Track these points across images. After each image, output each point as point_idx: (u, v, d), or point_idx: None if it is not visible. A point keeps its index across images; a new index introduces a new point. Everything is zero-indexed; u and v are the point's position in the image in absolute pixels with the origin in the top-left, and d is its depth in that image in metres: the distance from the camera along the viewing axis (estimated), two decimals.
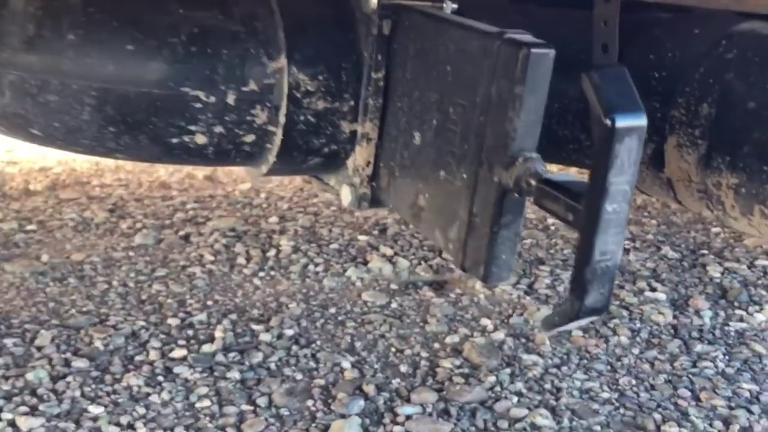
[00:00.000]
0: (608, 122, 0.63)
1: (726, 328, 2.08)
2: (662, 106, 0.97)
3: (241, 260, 2.26)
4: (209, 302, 2.00)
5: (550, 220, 2.74)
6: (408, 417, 1.58)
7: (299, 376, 1.69)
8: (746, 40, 0.92)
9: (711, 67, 0.93)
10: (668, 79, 0.98)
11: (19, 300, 1.94)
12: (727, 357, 1.92)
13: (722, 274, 2.39)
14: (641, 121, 0.64)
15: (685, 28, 0.97)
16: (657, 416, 1.66)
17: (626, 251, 2.53)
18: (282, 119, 0.93)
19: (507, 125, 0.73)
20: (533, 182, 0.71)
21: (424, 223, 0.88)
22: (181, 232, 2.45)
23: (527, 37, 0.75)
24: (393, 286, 2.16)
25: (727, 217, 0.94)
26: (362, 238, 2.45)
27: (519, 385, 1.72)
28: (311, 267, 2.24)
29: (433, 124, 0.85)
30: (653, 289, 2.26)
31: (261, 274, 2.19)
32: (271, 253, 2.32)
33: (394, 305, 2.05)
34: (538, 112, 0.73)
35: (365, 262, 2.29)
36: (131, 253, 2.27)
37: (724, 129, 0.91)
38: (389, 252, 2.35)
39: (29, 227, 2.43)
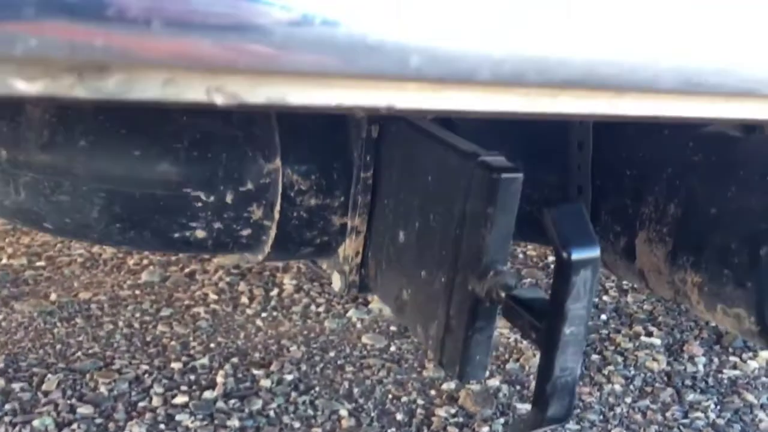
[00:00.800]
0: (565, 255, 0.68)
1: (719, 375, 2.11)
2: (634, 202, 1.02)
3: (244, 299, 2.31)
4: (212, 344, 2.05)
5: (551, 258, 2.78)
6: None
7: (297, 425, 1.74)
8: (712, 142, 0.97)
9: (678, 168, 0.98)
10: (639, 177, 1.03)
11: (27, 341, 2.00)
12: (718, 407, 1.95)
13: None
14: (595, 253, 0.70)
15: (657, 127, 1.02)
16: None
17: (624, 293, 2.57)
18: (276, 215, 0.98)
19: (480, 240, 0.79)
20: (503, 295, 0.77)
21: (407, 316, 0.93)
22: (187, 270, 2.50)
23: (499, 161, 0.80)
24: (393, 328, 2.20)
25: (694, 310, 0.98)
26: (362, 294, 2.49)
27: None
28: (313, 308, 2.29)
29: (416, 226, 0.90)
30: (649, 334, 2.30)
31: (263, 314, 2.23)
32: (274, 292, 2.37)
33: (393, 348, 2.10)
34: (508, 229, 0.79)
35: (366, 303, 2.33)
36: (137, 292, 2.32)
37: (688, 230, 0.96)
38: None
39: (38, 263, 2.48)
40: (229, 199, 0.95)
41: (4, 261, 2.48)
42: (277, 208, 0.98)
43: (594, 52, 0.49)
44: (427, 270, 0.88)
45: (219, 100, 0.43)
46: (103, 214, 0.93)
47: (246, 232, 0.99)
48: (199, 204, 0.95)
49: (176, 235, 0.96)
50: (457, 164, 0.83)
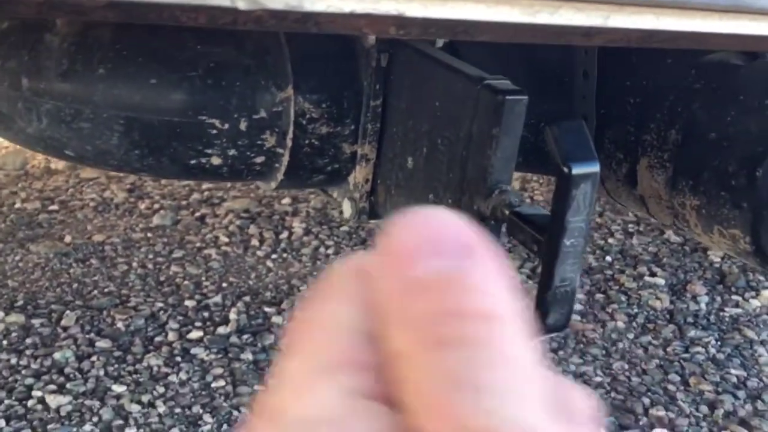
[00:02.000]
0: (565, 169, 0.72)
1: (721, 313, 2.15)
2: (636, 130, 1.05)
3: (254, 242, 2.36)
4: (224, 284, 2.10)
5: None
6: None
7: None
8: (713, 70, 0.99)
9: (680, 95, 1.00)
10: (642, 105, 1.05)
11: (45, 281, 2.05)
12: (719, 343, 2.00)
13: (722, 259, 2.45)
14: (594, 168, 0.73)
15: (659, 55, 1.04)
16: (646, 400, 1.74)
17: (630, 235, 2.60)
18: (289, 143, 1.01)
19: (485, 161, 0.82)
20: (507, 212, 0.80)
21: None
22: (197, 213, 2.54)
23: (504, 84, 0.83)
24: None
25: (692, 233, 1.02)
26: (371, 221, 2.53)
27: None
28: (322, 249, 2.33)
29: (424, 152, 0.93)
30: (653, 274, 2.33)
31: (274, 256, 2.28)
32: (284, 235, 2.41)
33: None
34: (512, 150, 0.82)
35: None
36: (149, 234, 2.37)
37: (688, 155, 0.98)
38: None
39: (52, 207, 2.53)
40: (243, 126, 0.98)
41: (18, 205, 2.52)
42: (290, 135, 1.01)
43: None
44: (435, 193, 0.91)
45: (241, 5, 0.46)
46: (122, 140, 0.97)
47: (260, 159, 1.02)
48: (214, 131, 0.98)
49: (192, 161, 0.99)
50: (463, 88, 0.85)
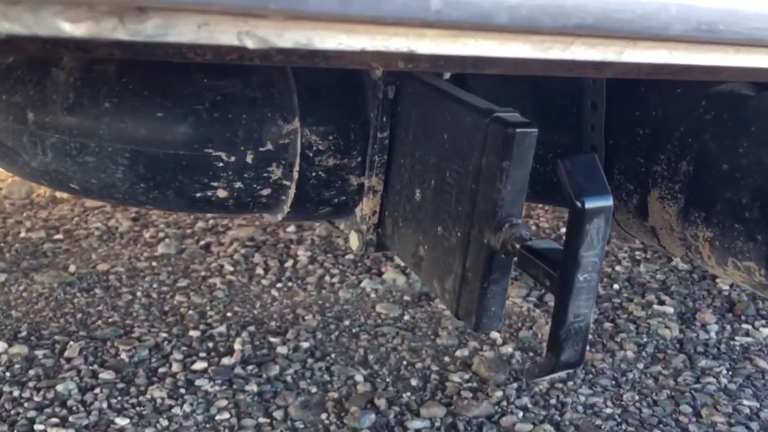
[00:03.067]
0: (578, 204, 0.71)
1: (731, 342, 2.13)
2: (646, 161, 1.03)
3: (259, 271, 2.34)
4: (229, 314, 2.08)
5: (563, 230, 2.80)
6: (417, 431, 1.66)
7: (314, 389, 1.77)
8: (723, 101, 0.98)
9: (690, 126, 0.99)
10: (652, 136, 1.04)
11: (48, 311, 2.04)
12: (730, 372, 1.97)
13: (731, 287, 2.43)
14: (608, 202, 0.72)
15: (669, 86, 1.03)
16: None
17: (637, 263, 2.58)
18: (296, 175, 1.00)
19: (495, 194, 0.81)
20: (517, 246, 0.79)
21: (424, 272, 0.96)
22: (202, 242, 2.53)
23: (514, 117, 0.82)
24: (406, 298, 2.23)
25: (705, 265, 1.00)
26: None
27: (525, 400, 1.79)
28: (327, 278, 2.32)
29: (432, 184, 0.92)
30: (662, 302, 2.31)
31: (279, 285, 2.27)
32: (289, 263, 2.40)
33: (406, 317, 2.13)
34: (522, 183, 0.81)
35: (380, 273, 2.36)
36: (154, 263, 2.36)
37: (700, 187, 0.97)
38: (403, 264, 2.42)
39: (57, 236, 2.53)
40: (249, 159, 0.98)
41: (23, 234, 2.52)
42: (296, 168, 1.00)
43: (606, 1, 0.51)
44: (444, 225, 0.90)
45: (249, 44, 0.45)
46: (127, 174, 0.96)
47: (266, 191, 1.01)
48: (221, 164, 0.97)
49: (198, 194, 0.98)
50: (472, 121, 0.85)
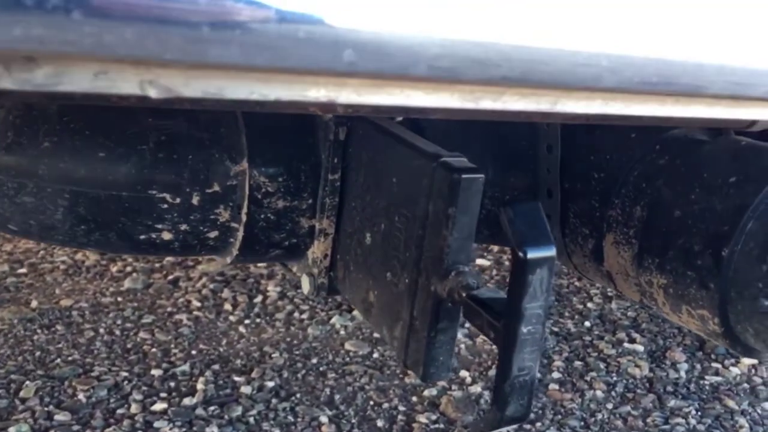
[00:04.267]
0: (521, 254, 0.69)
1: (701, 381, 2.11)
2: (601, 205, 1.02)
3: (227, 306, 2.31)
4: (193, 351, 2.04)
5: None
6: None
7: (277, 431, 1.73)
8: (677, 146, 0.97)
9: (644, 171, 0.98)
10: (606, 180, 1.03)
11: (6, 348, 1.99)
12: (699, 413, 1.95)
13: None
14: (551, 252, 0.70)
15: (624, 130, 1.02)
16: None
17: (609, 299, 2.57)
18: (244, 217, 0.98)
19: (441, 241, 0.79)
20: (464, 295, 0.77)
21: (373, 318, 0.93)
22: (170, 277, 2.49)
23: (460, 162, 0.80)
24: (376, 335, 2.20)
25: (661, 312, 0.99)
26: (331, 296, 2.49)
27: None
28: (296, 314, 2.29)
29: (382, 228, 0.90)
30: (632, 340, 2.30)
31: (246, 321, 2.23)
32: (258, 299, 2.36)
33: (375, 355, 2.09)
34: (470, 230, 0.79)
35: (350, 310, 2.33)
36: (119, 299, 2.32)
37: (654, 233, 0.96)
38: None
39: (20, 270, 2.48)
40: (195, 201, 0.95)
41: None
42: (245, 210, 0.98)
43: (533, 52, 0.49)
44: (392, 271, 0.88)
45: (153, 93, 0.43)
46: (67, 215, 0.93)
47: (213, 234, 0.99)
48: (165, 206, 0.94)
49: (142, 236, 0.96)
50: (419, 165, 0.83)
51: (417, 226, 0.83)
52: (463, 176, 0.77)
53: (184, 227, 0.96)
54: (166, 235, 0.96)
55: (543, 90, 0.54)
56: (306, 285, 1.04)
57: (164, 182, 0.93)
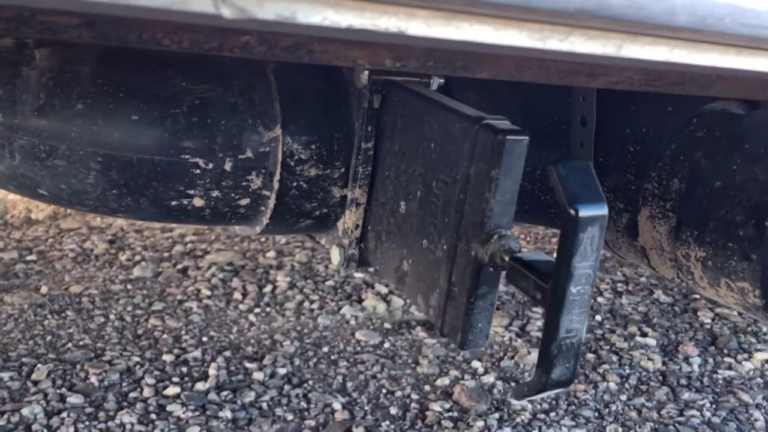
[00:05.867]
0: (572, 212, 0.67)
1: (714, 375, 2.10)
2: (636, 178, 1.01)
3: (237, 295, 2.30)
4: (204, 338, 2.03)
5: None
6: None
7: (290, 417, 1.72)
8: (715, 119, 0.96)
9: (682, 144, 0.97)
10: (642, 153, 1.02)
11: (17, 333, 1.97)
12: (713, 406, 1.94)
13: (713, 320, 2.41)
14: (603, 210, 0.69)
15: (660, 104, 1.01)
16: None
17: (619, 294, 2.56)
18: (276, 185, 0.97)
19: (483, 204, 0.77)
20: (506, 259, 0.75)
21: (408, 287, 0.92)
22: (180, 266, 2.48)
23: (504, 124, 0.79)
24: (387, 325, 2.19)
25: (697, 287, 0.97)
26: (357, 275, 2.48)
27: (507, 431, 1.74)
28: (306, 304, 2.27)
29: (418, 195, 0.89)
30: (644, 334, 2.29)
31: (257, 310, 2.22)
32: (268, 288, 2.35)
33: (387, 345, 2.08)
34: (512, 193, 0.78)
35: (360, 300, 2.32)
36: (129, 286, 2.30)
37: (693, 204, 0.94)
38: (384, 290, 2.38)
39: (29, 257, 2.46)
40: (227, 166, 0.94)
41: None
42: (277, 177, 0.96)
43: None
44: (429, 238, 0.87)
45: (226, 12, 0.42)
46: (99, 179, 0.92)
47: (244, 201, 0.97)
48: (198, 171, 0.93)
49: (173, 203, 0.94)
50: (461, 128, 0.82)
51: (457, 190, 0.81)
52: (508, 137, 0.76)
53: (215, 194, 0.95)
54: (198, 202, 0.94)
55: (610, 31, 0.53)
56: (336, 256, 1.03)
57: (197, 147, 0.92)
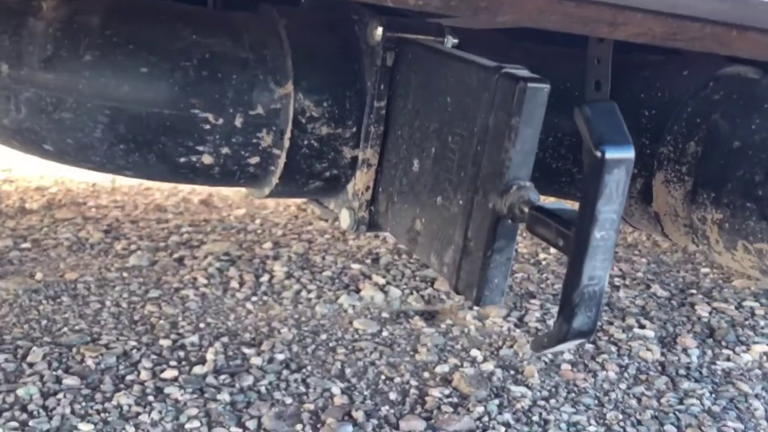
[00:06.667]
0: (598, 154, 0.66)
1: (713, 366, 2.10)
2: (651, 143, 1.00)
3: (234, 284, 2.28)
4: (201, 325, 2.01)
5: (542, 255, 2.77)
6: None
7: (289, 400, 1.70)
8: (732, 82, 0.95)
9: (698, 107, 0.96)
10: (657, 117, 1.01)
11: (12, 317, 1.95)
12: (713, 395, 1.94)
13: (710, 313, 2.41)
14: (629, 153, 0.67)
15: (675, 69, 1.00)
16: None
17: (616, 288, 2.56)
18: (286, 143, 0.95)
19: (503, 155, 0.76)
20: (526, 209, 0.74)
21: (420, 247, 0.91)
22: (176, 255, 2.46)
23: (524, 72, 0.78)
24: (384, 315, 2.17)
25: (712, 252, 0.96)
26: (355, 266, 2.47)
27: (507, 417, 1.73)
28: (304, 293, 2.26)
29: (432, 152, 0.88)
30: (642, 326, 2.28)
31: (254, 298, 2.20)
32: (265, 278, 2.34)
33: (385, 333, 2.07)
34: (532, 143, 0.77)
35: (358, 290, 2.30)
36: (125, 274, 2.28)
37: (710, 166, 0.94)
38: (381, 281, 2.37)
39: (24, 245, 2.44)
40: (238, 122, 0.92)
41: None
42: (288, 135, 0.95)
43: None
44: (444, 195, 0.86)
45: None
46: (106, 133, 0.90)
47: (254, 160, 0.96)
48: (207, 126, 0.91)
49: (182, 159, 0.93)
50: (479, 79, 0.81)
51: (474, 143, 0.80)
52: (529, 85, 0.75)
53: (225, 151, 0.93)
54: (207, 159, 0.93)
55: None
56: (345, 219, 1.01)
57: (207, 101, 0.90)
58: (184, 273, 2.34)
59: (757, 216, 0.88)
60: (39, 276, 2.20)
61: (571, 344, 0.71)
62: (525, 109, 0.75)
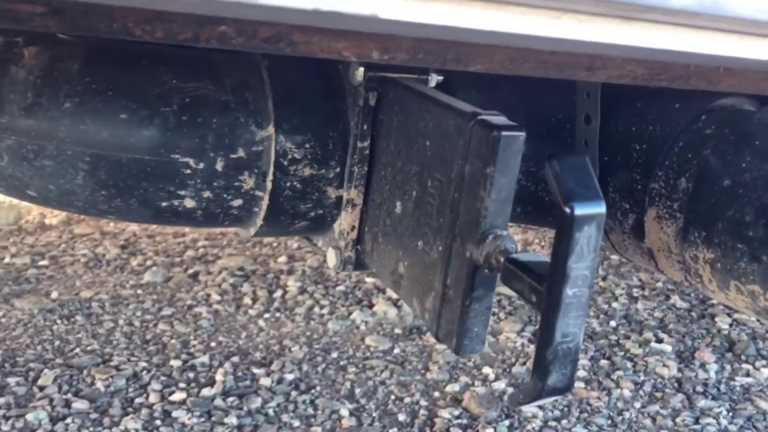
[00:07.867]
0: (567, 210, 0.64)
1: (731, 382, 2.05)
2: (642, 177, 0.98)
3: (247, 300, 2.28)
4: (213, 344, 2.01)
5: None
6: None
7: (296, 423, 1.69)
8: (724, 116, 0.93)
9: (690, 141, 0.93)
10: (649, 152, 0.99)
11: (26, 338, 1.97)
12: (730, 414, 1.90)
13: (730, 326, 2.36)
14: (600, 208, 0.66)
15: (668, 101, 0.98)
16: None
17: (635, 300, 2.52)
18: (269, 185, 0.95)
19: (478, 203, 0.75)
20: (502, 260, 0.73)
21: (403, 290, 0.89)
22: (190, 271, 2.47)
23: (500, 119, 0.77)
24: (397, 331, 2.16)
25: (705, 290, 0.94)
26: (369, 280, 2.46)
27: None
28: (317, 309, 2.25)
29: (413, 195, 0.87)
30: (659, 340, 2.24)
31: (266, 315, 2.20)
32: (278, 293, 2.34)
33: (396, 350, 2.06)
34: (508, 192, 0.75)
35: (371, 305, 2.29)
36: (139, 291, 2.30)
37: (700, 204, 0.91)
38: (395, 296, 2.35)
39: (42, 262, 2.47)
40: (219, 166, 0.92)
41: (7, 260, 2.46)
42: (270, 177, 0.94)
43: None
44: (424, 239, 0.84)
45: None
46: (87, 180, 0.90)
47: (237, 202, 0.95)
48: (188, 171, 0.91)
49: (164, 203, 0.92)
50: (456, 125, 0.79)
51: (452, 189, 0.79)
52: (503, 133, 0.73)
53: (207, 194, 0.92)
54: (189, 203, 0.92)
55: (602, 16, 0.50)
56: (332, 259, 1.01)
57: (188, 146, 0.90)
58: (198, 289, 2.34)
59: (748, 257, 0.85)
60: (54, 295, 2.22)
61: (547, 400, 0.69)
62: (500, 158, 0.73)
